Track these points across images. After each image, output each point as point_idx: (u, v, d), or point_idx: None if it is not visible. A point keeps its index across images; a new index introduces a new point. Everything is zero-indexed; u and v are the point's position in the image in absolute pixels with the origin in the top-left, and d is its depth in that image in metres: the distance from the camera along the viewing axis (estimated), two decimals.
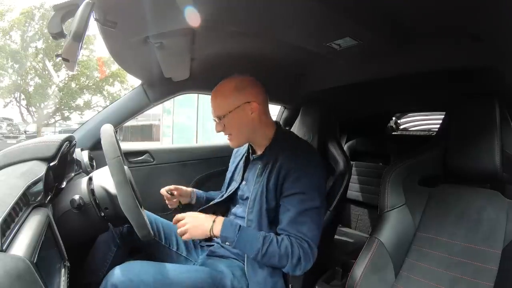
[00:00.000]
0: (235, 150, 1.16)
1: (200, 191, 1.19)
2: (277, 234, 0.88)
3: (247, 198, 0.97)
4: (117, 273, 0.77)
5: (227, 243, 0.86)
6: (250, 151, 1.06)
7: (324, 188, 0.95)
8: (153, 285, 0.77)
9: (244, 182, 1.04)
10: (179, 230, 0.87)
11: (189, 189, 1.15)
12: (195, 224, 0.86)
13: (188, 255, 1.07)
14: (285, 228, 0.87)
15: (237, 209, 1.04)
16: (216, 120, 0.96)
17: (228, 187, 1.11)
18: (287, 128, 1.06)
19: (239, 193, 1.04)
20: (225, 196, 1.08)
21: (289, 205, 0.88)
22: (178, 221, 0.89)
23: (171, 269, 0.84)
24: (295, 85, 1.56)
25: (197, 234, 0.86)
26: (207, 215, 0.90)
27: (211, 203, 1.10)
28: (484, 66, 0.98)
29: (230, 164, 1.17)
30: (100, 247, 0.98)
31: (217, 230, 0.86)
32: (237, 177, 1.08)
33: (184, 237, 0.87)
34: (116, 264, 0.81)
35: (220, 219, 0.88)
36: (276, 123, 1.03)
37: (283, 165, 0.89)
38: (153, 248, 1.04)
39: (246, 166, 1.07)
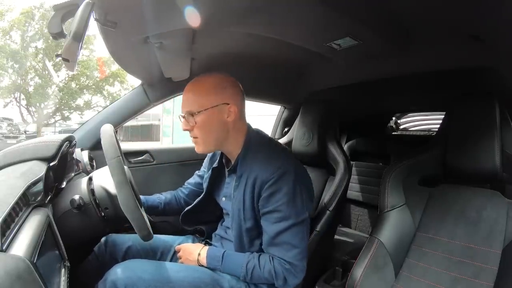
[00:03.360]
0: (210, 154, 1.07)
1: (151, 200, 1.09)
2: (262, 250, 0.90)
3: (227, 214, 0.97)
4: (117, 271, 0.78)
5: (215, 270, 0.91)
6: (224, 161, 0.99)
7: (305, 196, 0.86)
8: (152, 282, 0.78)
9: (223, 198, 0.99)
10: (179, 260, 0.96)
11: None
12: (187, 256, 0.94)
13: None
14: (266, 249, 0.87)
15: (220, 230, 1.04)
16: (186, 116, 0.86)
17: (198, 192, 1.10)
18: (257, 129, 0.96)
19: (223, 207, 1.01)
20: (194, 204, 1.05)
21: (266, 226, 0.86)
22: (179, 251, 0.98)
23: (170, 267, 0.85)
24: (295, 85, 1.56)
25: (190, 263, 0.93)
26: (196, 247, 0.94)
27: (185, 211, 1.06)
28: (484, 66, 0.98)
29: (204, 166, 1.12)
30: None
31: (204, 262, 0.91)
32: (205, 185, 1.05)
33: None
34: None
35: (204, 251, 0.92)
36: (248, 126, 0.94)
37: (258, 178, 0.84)
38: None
39: (213, 178, 1.02)
